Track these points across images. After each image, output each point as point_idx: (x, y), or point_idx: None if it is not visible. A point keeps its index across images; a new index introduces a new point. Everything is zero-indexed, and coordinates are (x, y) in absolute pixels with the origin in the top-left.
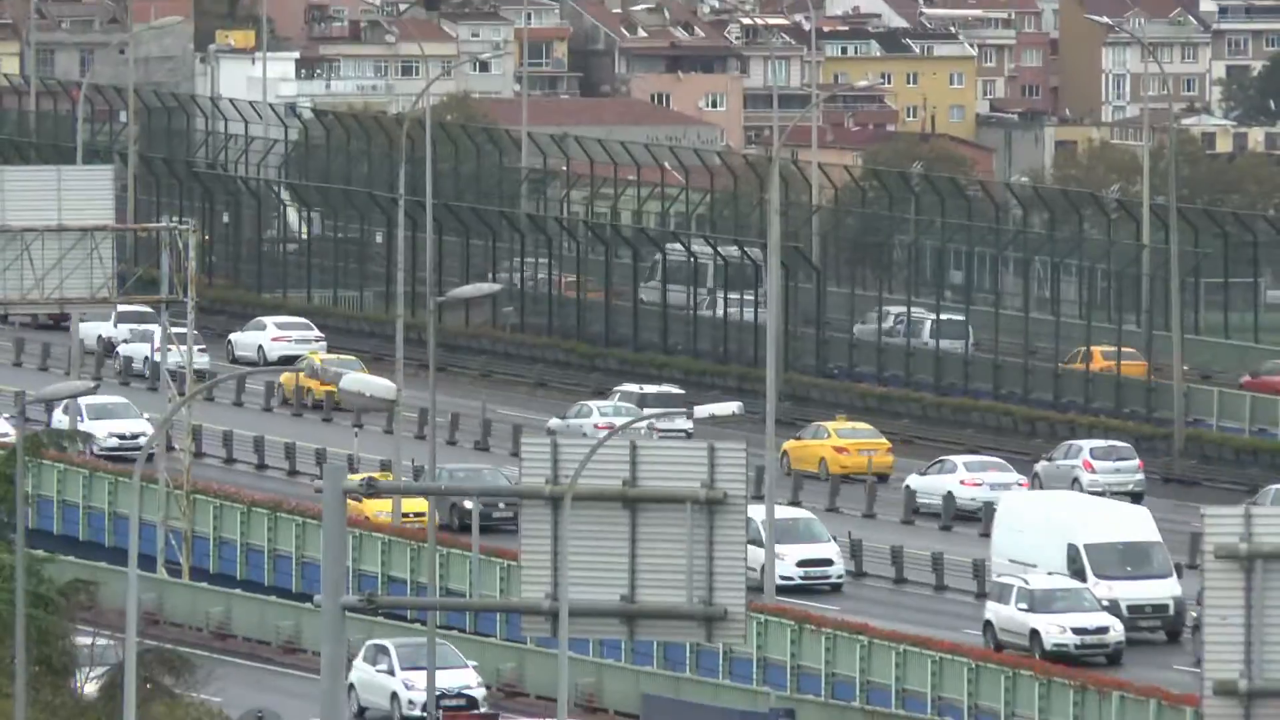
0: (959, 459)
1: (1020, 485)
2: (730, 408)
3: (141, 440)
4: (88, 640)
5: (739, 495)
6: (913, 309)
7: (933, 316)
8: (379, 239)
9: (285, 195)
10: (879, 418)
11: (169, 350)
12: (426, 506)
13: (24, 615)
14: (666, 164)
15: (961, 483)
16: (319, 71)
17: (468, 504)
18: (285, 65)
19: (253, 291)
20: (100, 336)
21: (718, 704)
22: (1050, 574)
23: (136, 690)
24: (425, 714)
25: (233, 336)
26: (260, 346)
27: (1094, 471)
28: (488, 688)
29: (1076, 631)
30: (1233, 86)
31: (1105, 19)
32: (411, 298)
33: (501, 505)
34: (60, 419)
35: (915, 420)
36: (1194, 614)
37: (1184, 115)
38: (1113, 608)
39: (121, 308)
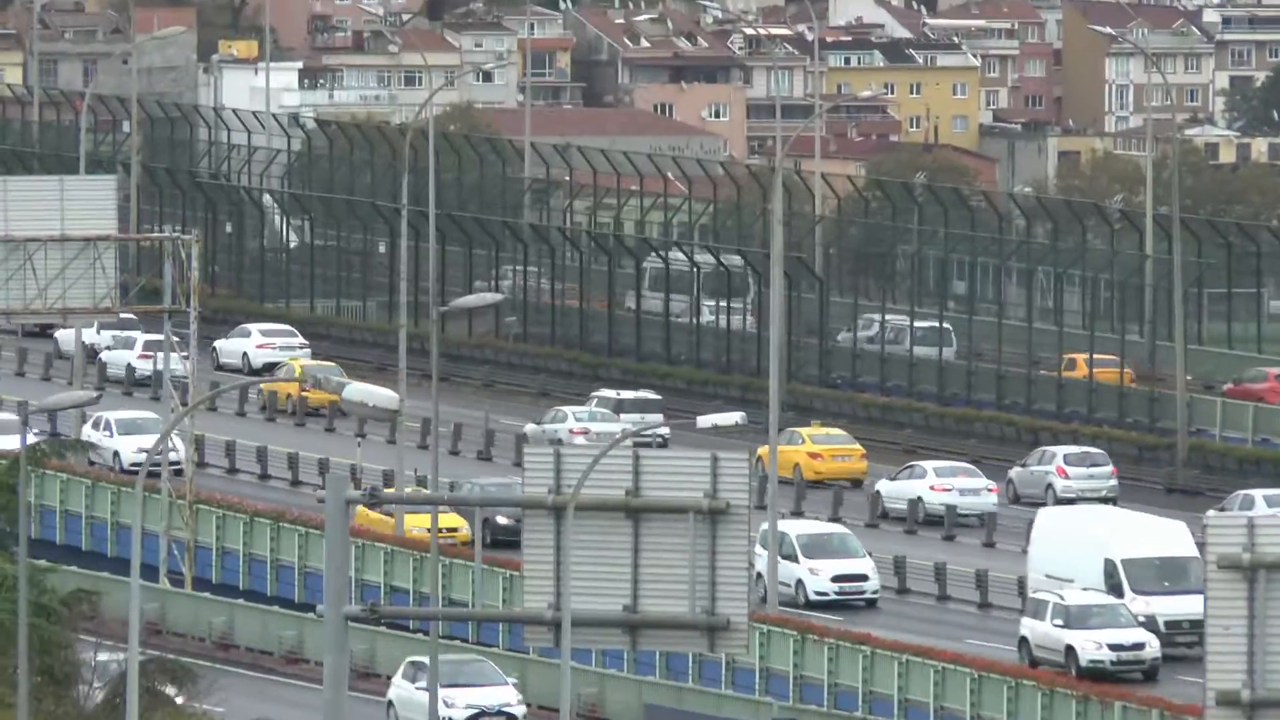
0: (928, 464)
1: (990, 491)
2: (733, 418)
3: (171, 455)
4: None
5: (741, 505)
6: (895, 317)
7: (915, 324)
8: (382, 249)
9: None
10: (882, 428)
11: (150, 358)
12: (462, 522)
13: (26, 625)
14: (669, 174)
15: (931, 488)
16: (322, 82)
17: (501, 519)
18: (288, 75)
19: (255, 301)
20: (83, 343)
21: (720, 714)
22: (1086, 589)
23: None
24: None
25: (217, 344)
26: (245, 354)
27: (1068, 477)
28: (528, 705)
29: (1113, 648)
30: (1236, 97)
31: (1108, 29)
32: (414, 308)
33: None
34: (89, 433)
35: (918, 430)
36: None
37: (1187, 126)
38: (1149, 623)
39: None
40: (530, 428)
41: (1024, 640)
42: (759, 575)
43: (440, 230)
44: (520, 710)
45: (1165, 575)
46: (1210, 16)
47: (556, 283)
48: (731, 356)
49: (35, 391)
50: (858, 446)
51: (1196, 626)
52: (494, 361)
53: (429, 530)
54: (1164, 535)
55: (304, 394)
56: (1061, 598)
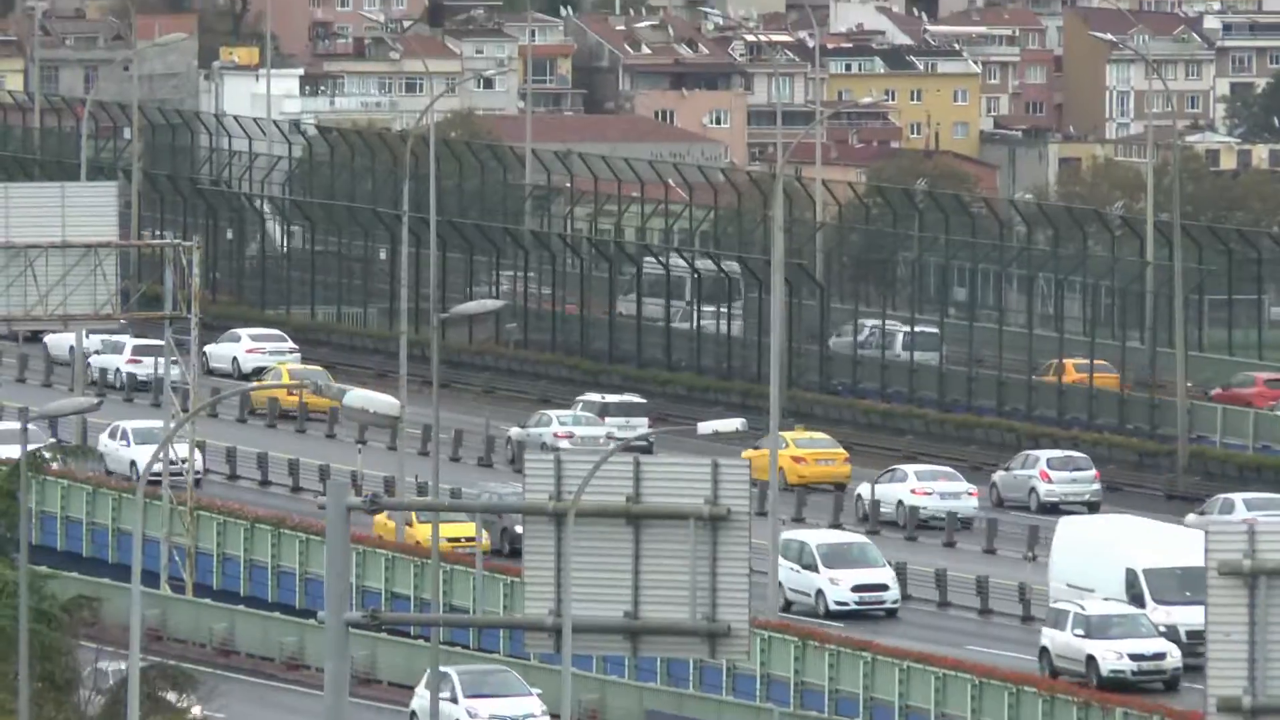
0: (910, 468)
1: (970, 495)
2: (733, 424)
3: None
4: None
5: (742, 512)
6: (887, 322)
7: (905, 329)
8: (383, 255)
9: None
10: (882, 434)
11: (139, 362)
12: (474, 531)
13: (27, 631)
14: (670, 181)
15: (912, 491)
16: (323, 88)
17: (519, 528)
18: (289, 82)
19: (256, 308)
20: (71, 348)
21: None
22: (1107, 599)
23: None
24: None
25: (207, 349)
26: (235, 358)
27: (1050, 481)
28: (554, 716)
29: (1133, 658)
30: (1236, 104)
31: (1109, 36)
32: (415, 314)
33: None
34: (106, 443)
35: (919, 437)
36: None
37: (1188, 132)
38: (1171, 633)
39: None
40: (515, 431)
41: (1044, 650)
42: (779, 584)
43: (441, 237)
44: None
45: (1187, 585)
46: (1211, 23)
47: (553, 289)
48: (732, 363)
49: (36, 398)
50: (841, 450)
51: None
52: (494, 368)
53: (450, 540)
54: (1186, 545)
55: (298, 399)
56: (1082, 607)
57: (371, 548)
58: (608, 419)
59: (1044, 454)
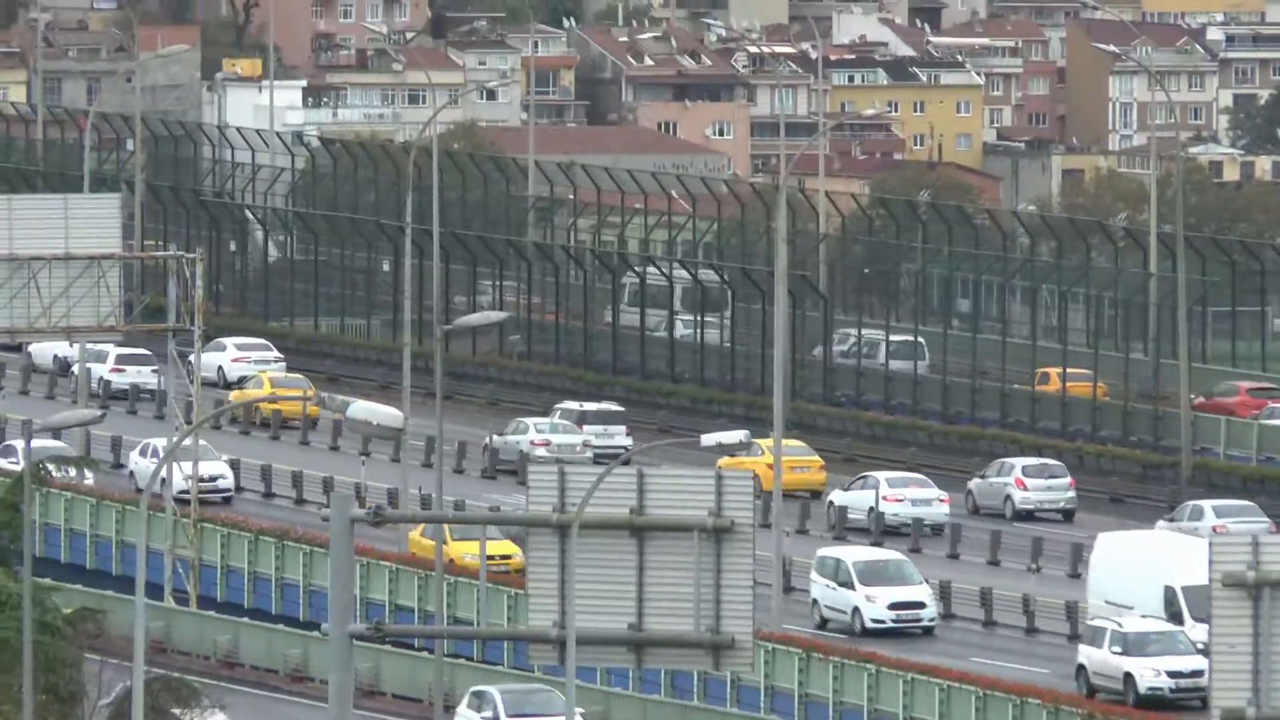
0: (881, 475)
1: (941, 501)
2: (737, 436)
3: (220, 483)
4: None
5: (746, 524)
6: (870, 331)
7: (892, 338)
8: (386, 267)
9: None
10: (886, 446)
11: (122, 371)
12: (515, 549)
13: (31, 643)
14: (673, 192)
15: (884, 498)
16: (326, 100)
17: None
18: (292, 93)
19: (260, 320)
20: (55, 356)
21: None
22: (1145, 616)
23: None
24: None
25: (191, 357)
26: (220, 367)
27: (1026, 489)
28: None
29: (1171, 675)
30: (1240, 115)
31: (1112, 48)
32: (418, 326)
33: None
34: (137, 460)
35: (922, 448)
36: None
37: (1191, 144)
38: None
39: None
40: (494, 439)
41: (1081, 668)
42: (814, 601)
43: (444, 248)
44: None
45: None
46: (1214, 34)
47: (556, 301)
48: (736, 375)
49: (40, 410)
50: (816, 458)
51: None
52: (498, 380)
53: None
54: None
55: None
56: (1120, 625)
57: (376, 560)
58: (585, 427)
59: (1019, 461)
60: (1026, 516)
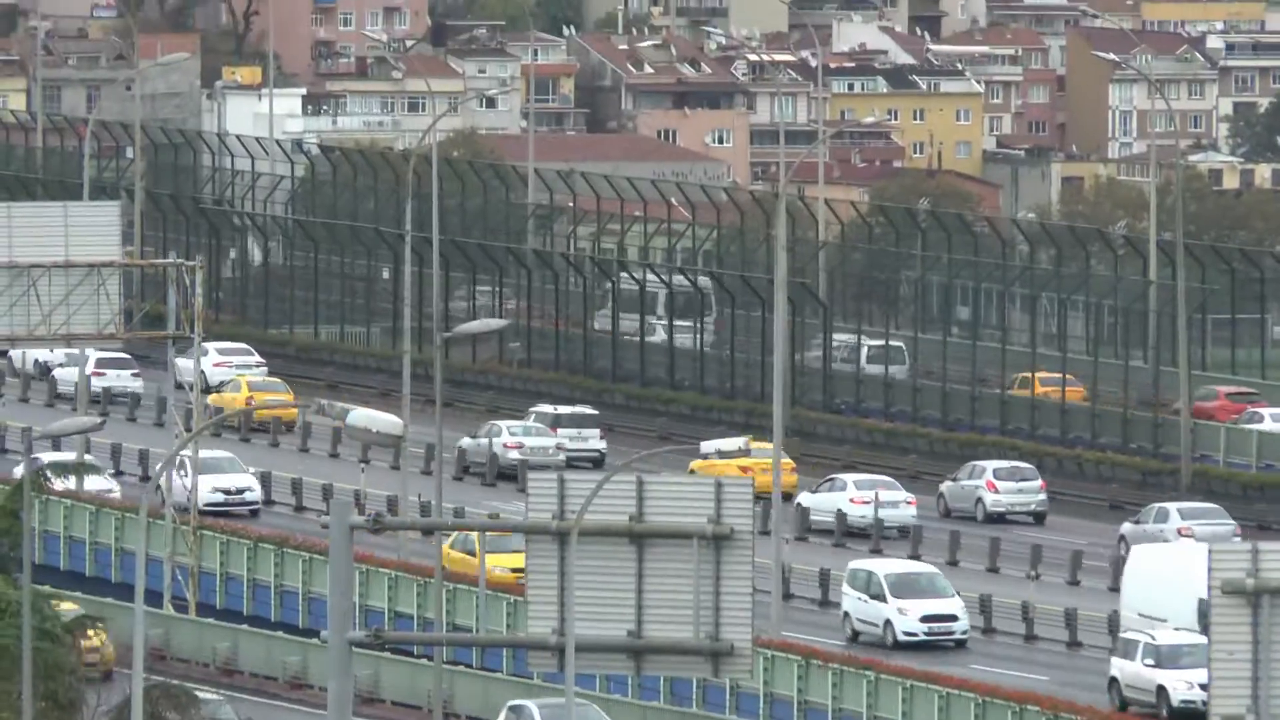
0: (849, 477)
1: (909, 504)
2: (736, 443)
3: (248, 495)
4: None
5: (745, 531)
6: (845, 336)
7: (870, 342)
8: (385, 275)
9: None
10: (886, 453)
11: (102, 375)
12: None
13: (30, 650)
14: (673, 200)
15: (851, 500)
16: (325, 108)
17: None
18: (292, 101)
19: (260, 327)
20: (36, 360)
21: None
22: (1178, 629)
23: None
24: None
25: (176, 361)
26: (202, 372)
27: (997, 492)
28: None
29: (1204, 688)
30: (1239, 123)
31: (1112, 56)
32: (418, 333)
33: None
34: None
35: (922, 455)
36: None
37: (1191, 151)
38: None
39: None
40: (466, 441)
41: (1114, 680)
42: (845, 614)
43: (444, 256)
44: None
45: None
46: (1214, 42)
47: (556, 308)
48: (735, 382)
49: (39, 418)
50: (787, 460)
51: None
52: (498, 387)
53: (513, 571)
54: None
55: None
56: (1153, 637)
57: (375, 567)
58: (560, 430)
59: (990, 464)
60: (997, 519)
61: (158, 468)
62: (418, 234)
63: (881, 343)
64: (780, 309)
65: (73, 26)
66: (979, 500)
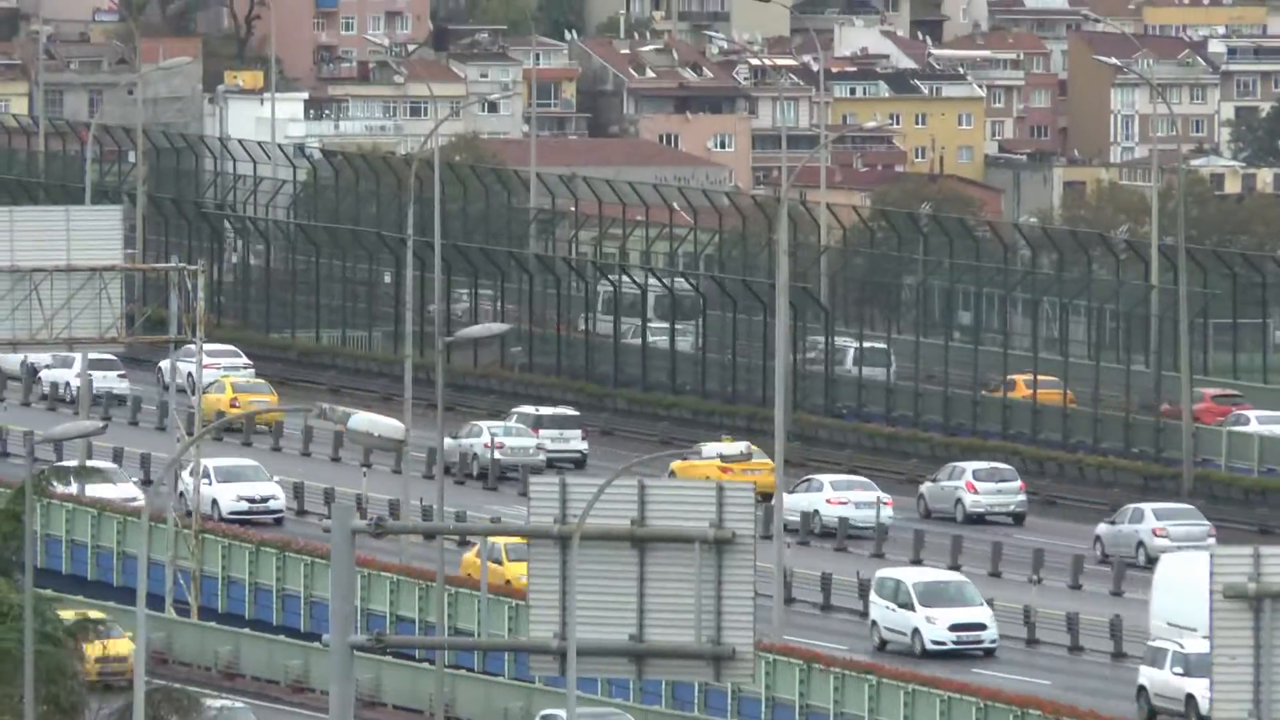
0: (825, 478)
1: (885, 504)
2: (738, 448)
3: (272, 504)
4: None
5: (747, 535)
6: (838, 338)
7: (855, 345)
8: (387, 279)
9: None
10: (888, 458)
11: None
12: None
13: (32, 653)
14: (675, 204)
15: (827, 501)
16: (327, 112)
17: None
18: (294, 106)
19: (261, 331)
20: (23, 361)
21: None
22: (1206, 637)
23: None
24: None
25: (162, 364)
26: (190, 374)
27: (976, 492)
28: None
29: None
30: (1241, 127)
31: (1114, 60)
32: (420, 337)
33: None
34: (187, 480)
35: (924, 460)
36: None
37: (1192, 156)
38: None
39: None
40: (447, 442)
41: (1142, 689)
42: (873, 623)
43: (446, 260)
44: None
45: None
46: (1215, 47)
47: (557, 313)
48: (738, 387)
49: (41, 422)
50: (768, 461)
51: None
52: (499, 391)
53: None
54: None
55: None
56: (1181, 646)
57: (377, 571)
58: (541, 431)
59: (970, 465)
60: (977, 520)
61: (161, 472)
62: (420, 238)
63: (867, 345)
64: (782, 314)
65: (75, 31)
66: (958, 501)
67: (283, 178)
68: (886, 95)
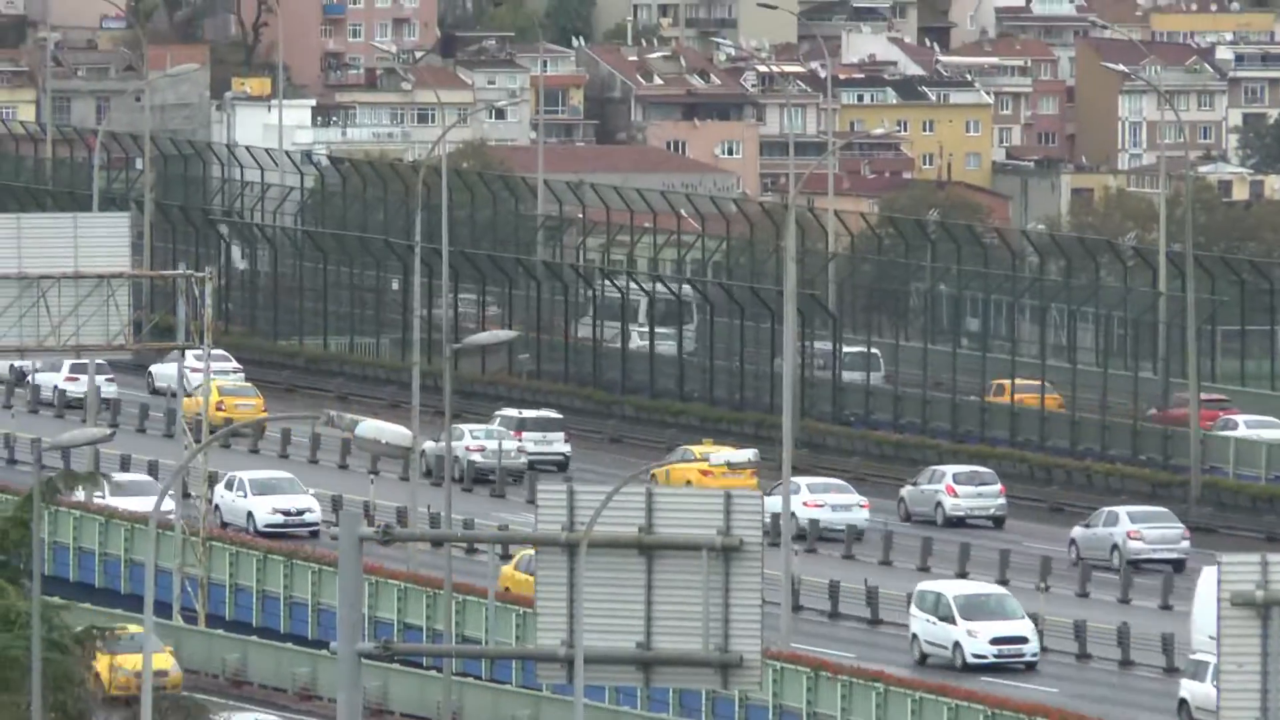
0: (803, 480)
1: (861, 507)
2: (746, 455)
3: (307, 516)
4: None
5: (755, 542)
6: (821, 344)
7: (845, 350)
8: (395, 286)
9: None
10: (896, 465)
11: (76, 380)
12: None
13: (40, 661)
14: (682, 211)
15: (804, 504)
16: (335, 119)
17: None
18: (301, 112)
19: (269, 339)
20: (12, 365)
21: None
22: None
23: None
24: None
25: (153, 368)
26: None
27: (956, 496)
28: None
29: None
30: (1249, 134)
31: (1121, 67)
32: (428, 345)
33: None
34: (223, 494)
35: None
36: None
37: (1200, 163)
38: None
39: None
40: (429, 445)
41: (1183, 702)
42: (914, 636)
43: (453, 267)
44: None
45: None
46: (1223, 54)
47: (565, 320)
48: (745, 394)
49: (48, 429)
50: (747, 462)
51: None
52: (507, 398)
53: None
54: None
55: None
56: None
57: (384, 578)
58: (524, 434)
59: (950, 469)
60: (957, 523)
61: (168, 479)
62: (427, 245)
63: (858, 350)
64: (790, 320)
65: (82, 38)
66: (938, 504)
67: (290, 184)
68: (894, 102)
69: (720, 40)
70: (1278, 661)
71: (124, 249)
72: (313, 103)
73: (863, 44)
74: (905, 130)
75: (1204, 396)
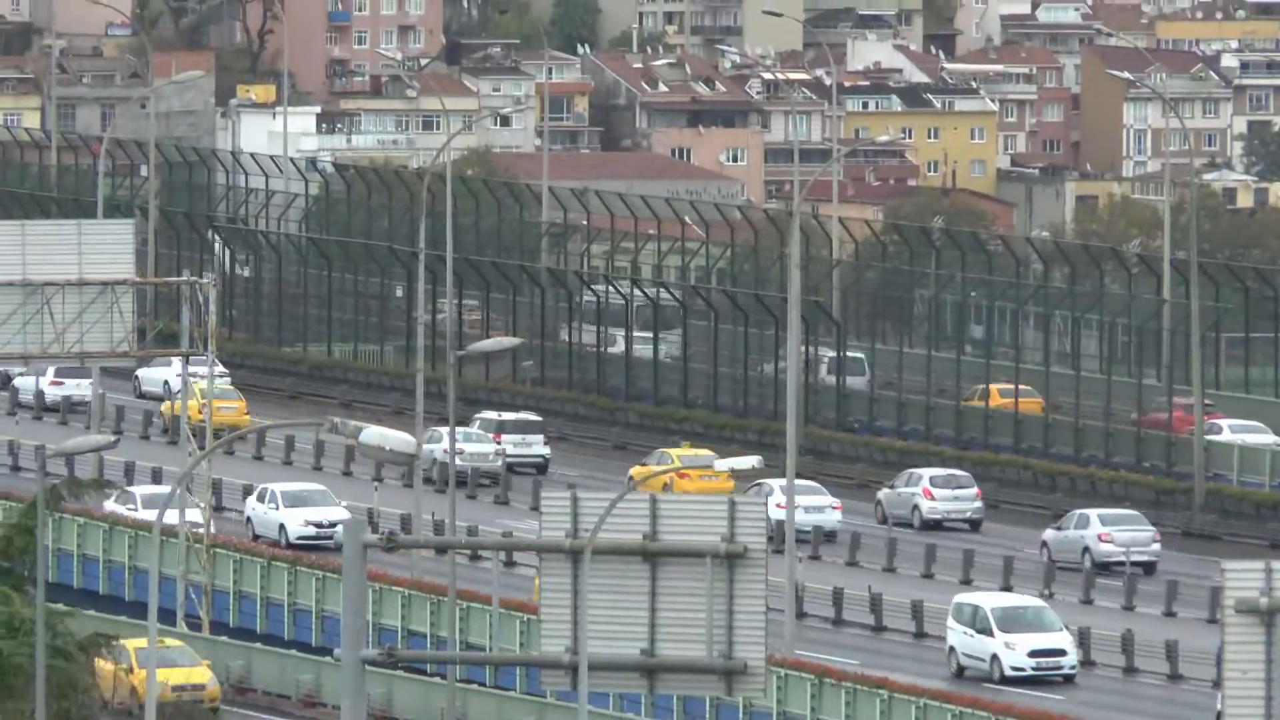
0: (776, 482)
1: (834, 509)
2: (750, 462)
3: (340, 529)
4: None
5: (759, 549)
6: (815, 347)
7: (831, 354)
8: (399, 293)
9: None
10: (899, 472)
11: (60, 384)
12: None
13: (44, 668)
14: (687, 218)
15: (778, 505)
16: (340, 126)
17: None
18: (306, 120)
19: (273, 345)
20: (4, 373)
21: None
22: None
23: None
24: None
25: (139, 372)
26: (165, 381)
27: (933, 499)
28: None
29: None
30: (1254, 142)
31: (1126, 74)
32: (432, 351)
33: None
34: (254, 506)
35: None
36: None
37: (1205, 170)
38: None
39: None
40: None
41: (1219, 715)
42: (951, 649)
43: (458, 274)
44: None
45: None
46: (1228, 61)
47: (569, 327)
48: (749, 401)
49: (53, 436)
50: (711, 462)
51: None
52: (511, 405)
53: None
54: None
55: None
56: None
57: (388, 585)
58: (504, 436)
59: (927, 472)
60: (934, 526)
61: (173, 486)
62: (432, 252)
63: (854, 355)
64: (794, 327)
65: (87, 45)
66: (915, 507)
67: (295, 191)
68: (899, 109)
69: (725, 48)
70: None
71: (128, 256)
72: (317, 110)
73: (868, 51)
74: (910, 137)
75: (1185, 401)
